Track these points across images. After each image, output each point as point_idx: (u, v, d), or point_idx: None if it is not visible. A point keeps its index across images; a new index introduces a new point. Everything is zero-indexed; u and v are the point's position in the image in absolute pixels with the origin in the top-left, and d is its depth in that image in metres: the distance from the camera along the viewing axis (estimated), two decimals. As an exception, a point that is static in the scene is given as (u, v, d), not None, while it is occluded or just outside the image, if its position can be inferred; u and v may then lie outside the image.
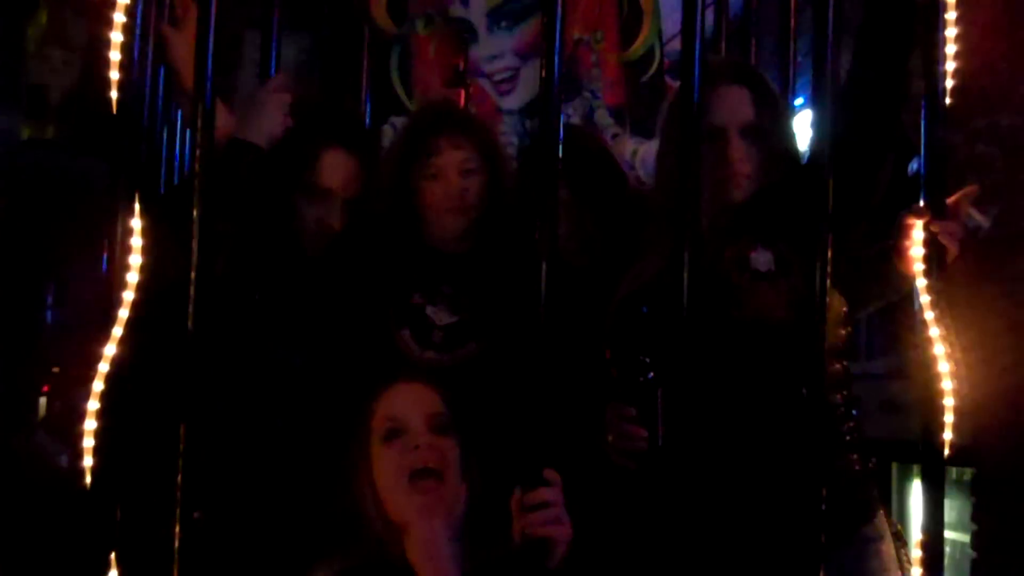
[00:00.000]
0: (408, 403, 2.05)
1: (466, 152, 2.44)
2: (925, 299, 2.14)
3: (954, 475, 4.39)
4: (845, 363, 2.30)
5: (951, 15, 2.19)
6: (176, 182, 2.48)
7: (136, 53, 2.13)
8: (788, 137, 2.38)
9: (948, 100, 2.18)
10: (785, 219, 2.17)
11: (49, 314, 5.64)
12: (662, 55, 3.43)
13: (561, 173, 1.83)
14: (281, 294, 2.38)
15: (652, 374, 2.15)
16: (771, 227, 2.21)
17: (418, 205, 2.44)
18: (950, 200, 2.18)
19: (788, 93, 3.08)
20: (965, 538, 4.26)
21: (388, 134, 3.14)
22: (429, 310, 2.43)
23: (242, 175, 2.26)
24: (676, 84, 3.54)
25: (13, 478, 2.92)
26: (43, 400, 5.22)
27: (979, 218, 2.24)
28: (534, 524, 1.77)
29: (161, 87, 2.30)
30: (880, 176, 2.24)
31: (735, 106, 2.27)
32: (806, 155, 2.12)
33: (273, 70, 2.55)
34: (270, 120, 2.32)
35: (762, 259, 2.19)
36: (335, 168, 2.42)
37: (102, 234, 2.16)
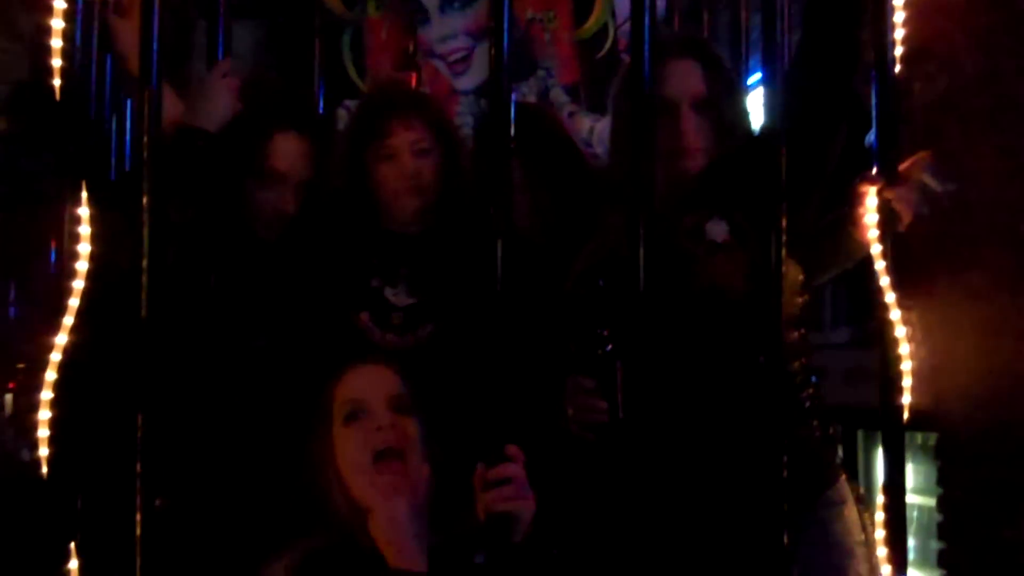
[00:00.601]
0: (368, 384, 2.04)
1: (418, 132, 2.43)
2: (880, 265, 2.16)
3: (919, 440, 4.42)
4: (803, 331, 2.31)
5: (898, -8, 2.20)
6: (126, 169, 2.45)
7: (79, 40, 2.10)
8: (740, 110, 2.38)
9: (897, 67, 2.19)
10: (740, 189, 2.17)
11: (12, 311, 5.58)
12: (616, 32, 3.44)
13: (516, 151, 1.82)
14: (237, 279, 2.36)
15: (611, 346, 2.16)
16: (726, 198, 2.21)
17: (373, 187, 2.44)
18: (903, 166, 2.20)
19: (742, 70, 3.08)
20: (931, 502, 4.30)
21: (343, 117, 3.12)
22: (388, 292, 2.42)
23: (192, 161, 2.24)
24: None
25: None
26: (9, 397, 5.18)
27: (932, 183, 2.25)
28: (497, 500, 1.77)
29: (108, 76, 2.27)
30: (834, 145, 2.24)
31: (686, 79, 2.27)
32: (760, 127, 2.12)
33: (221, 56, 2.52)
34: (219, 104, 2.30)
35: (718, 229, 2.19)
36: (287, 151, 2.40)
37: (50, 226, 2.15)
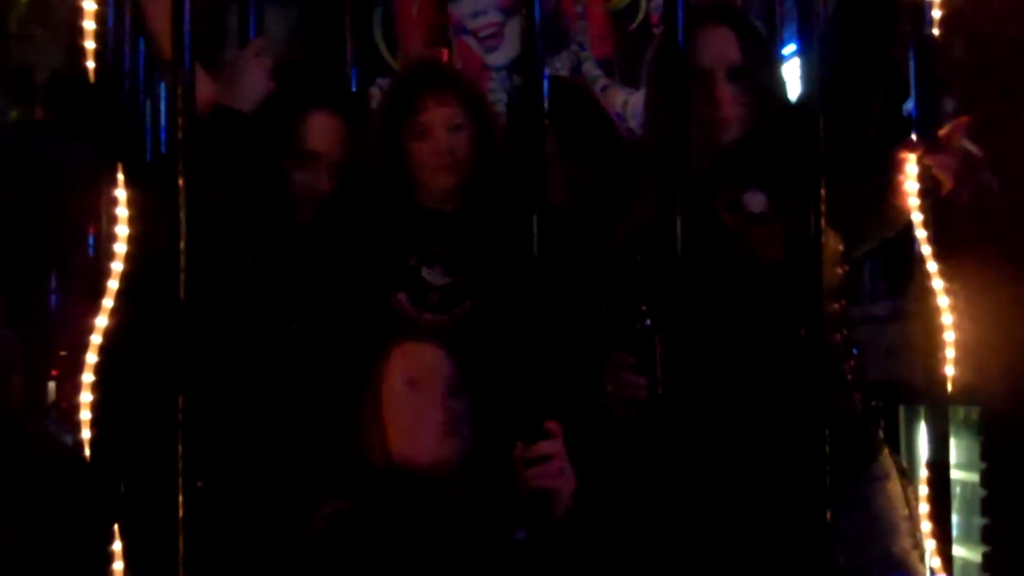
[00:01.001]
0: (427, 364, 2.08)
1: (452, 108, 2.41)
2: (921, 234, 2.14)
3: (961, 415, 4.37)
4: (843, 302, 2.29)
5: (936, -55, 2.17)
6: (162, 151, 2.46)
7: (111, 22, 2.11)
8: (776, 78, 2.35)
9: (936, 32, 2.16)
10: (777, 159, 2.15)
11: (53, 298, 5.63)
12: (648, 4, 3.40)
13: (549, 125, 1.81)
14: (273, 260, 2.36)
15: (649, 321, 2.14)
16: (764, 168, 2.18)
17: (407, 165, 2.42)
18: (942, 132, 2.17)
19: (776, 39, 3.04)
20: (975, 477, 4.25)
21: (375, 96, 3.11)
22: (425, 272, 2.41)
23: (227, 141, 2.24)
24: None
25: (26, 461, 2.92)
26: (52, 384, 5.24)
27: (972, 148, 2.22)
28: (537, 477, 1.77)
29: (141, 57, 2.27)
30: (871, 113, 2.21)
31: (721, 47, 2.25)
32: (797, 96, 2.09)
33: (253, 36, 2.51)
34: (253, 83, 2.30)
35: (755, 200, 2.16)
36: (321, 130, 2.40)
37: (89, 212, 2.16)
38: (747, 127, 2.24)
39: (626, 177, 2.41)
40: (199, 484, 1.75)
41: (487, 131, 2.45)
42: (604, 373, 2.20)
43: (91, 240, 2.24)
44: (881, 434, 2.35)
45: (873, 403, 2.33)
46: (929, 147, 2.11)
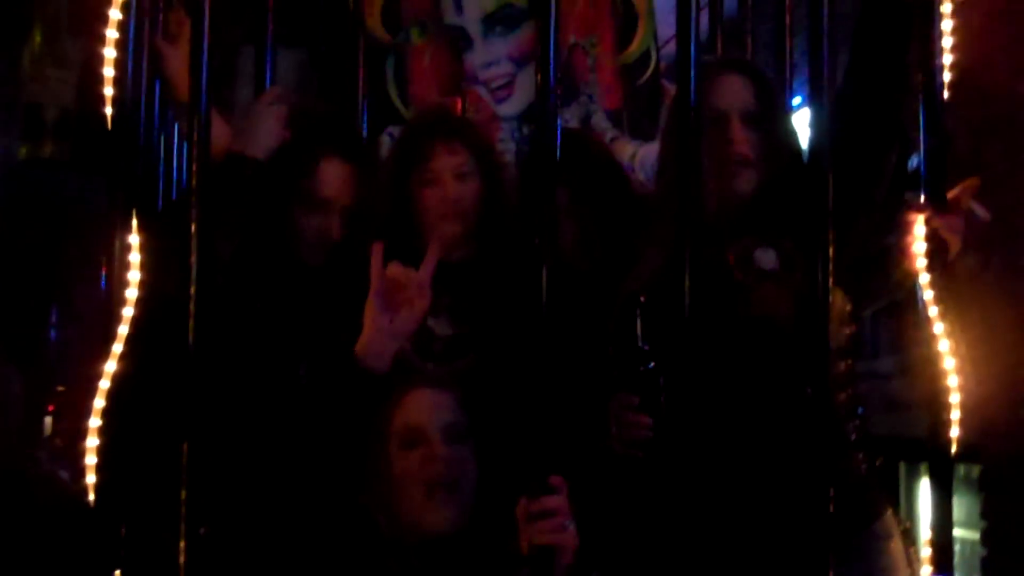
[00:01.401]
0: (425, 411, 2.05)
1: (461, 157, 2.43)
2: (928, 295, 2.14)
3: (962, 472, 4.36)
4: (850, 362, 2.29)
5: (947, 7, 2.19)
6: (173, 196, 2.47)
7: (131, 69, 2.12)
8: (788, 129, 2.37)
9: (946, 94, 2.18)
10: (789, 216, 2.16)
11: (53, 333, 5.63)
12: (658, 57, 3.42)
13: (562, 177, 1.82)
14: (282, 304, 2.37)
15: (653, 364, 2.14)
16: (775, 224, 2.20)
17: (415, 212, 2.43)
18: (951, 194, 2.18)
19: (786, 92, 3.06)
20: (975, 535, 4.24)
21: (386, 144, 3.12)
22: (430, 321, 2.41)
23: (241, 189, 2.25)
24: (672, 87, 3.55)
25: (20, 498, 2.91)
26: (48, 419, 5.23)
27: (980, 212, 2.22)
28: (540, 532, 1.76)
29: (157, 102, 2.29)
30: (883, 171, 2.23)
31: (735, 92, 2.27)
32: (808, 151, 2.10)
33: (268, 83, 2.54)
34: (267, 132, 2.31)
35: (766, 257, 2.17)
36: (332, 177, 2.41)
37: (101, 251, 2.16)
38: (760, 174, 2.25)
39: (637, 230, 2.42)
40: (202, 531, 1.74)
41: (495, 181, 2.47)
42: (608, 414, 2.20)
43: (103, 279, 2.25)
44: (885, 494, 2.34)
45: (877, 462, 2.32)
46: (937, 208, 2.11)
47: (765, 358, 2.16)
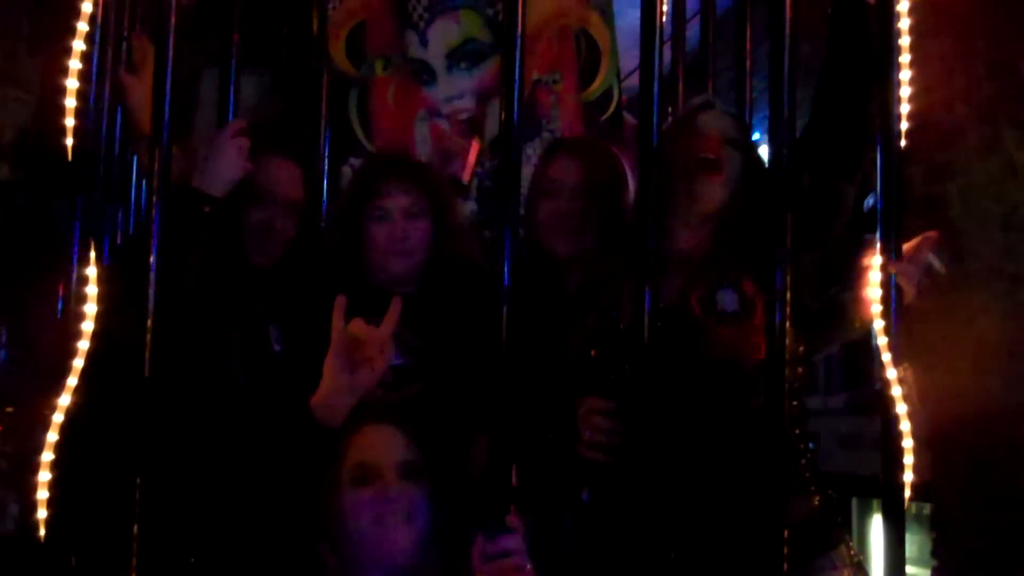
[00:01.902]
0: (379, 449, 2.03)
1: (412, 197, 2.48)
2: (882, 340, 2.16)
3: (913, 510, 4.41)
4: (800, 401, 2.31)
5: (905, 58, 2.23)
6: (131, 225, 2.45)
7: (92, 98, 2.11)
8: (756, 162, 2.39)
9: (903, 142, 2.21)
10: (750, 256, 2.19)
11: (3, 353, 5.52)
12: (620, 93, 3.45)
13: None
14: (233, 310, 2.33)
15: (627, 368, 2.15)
16: (737, 265, 2.23)
17: (365, 247, 2.48)
18: (909, 245, 2.21)
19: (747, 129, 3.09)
20: (925, 573, 4.27)
21: (347, 175, 3.12)
22: None
23: (197, 226, 2.20)
24: (634, 120, 3.57)
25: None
26: (-6, 440, 5.14)
27: (937, 264, 2.26)
28: (496, 573, 1.76)
29: (118, 133, 2.27)
30: (842, 204, 2.28)
31: (718, 118, 2.34)
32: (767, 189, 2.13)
33: (232, 110, 2.51)
34: (229, 166, 2.28)
35: (728, 299, 2.20)
36: (278, 174, 2.41)
37: (57, 274, 2.14)
38: (729, 189, 2.28)
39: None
40: (192, 560, 1.72)
41: (445, 220, 2.53)
42: (577, 419, 2.21)
43: (59, 301, 2.22)
44: (839, 525, 2.36)
45: (830, 493, 2.34)
46: (893, 255, 2.15)
47: (721, 393, 2.19)
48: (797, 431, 2.27)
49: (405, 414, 2.19)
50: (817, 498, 2.28)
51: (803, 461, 2.28)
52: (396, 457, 2.02)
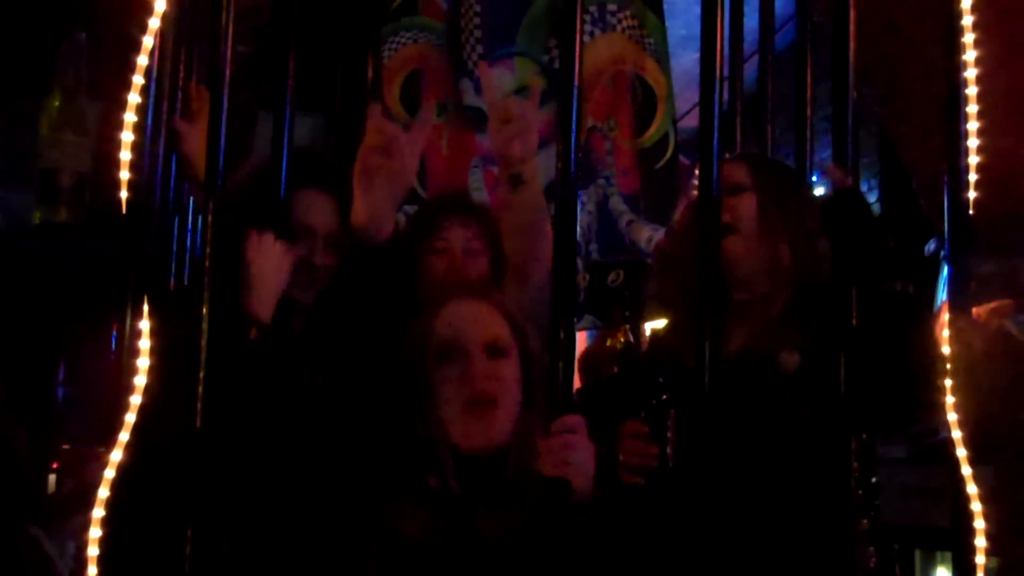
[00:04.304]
0: (465, 325, 1.96)
1: (471, 234, 2.47)
2: (950, 400, 2.11)
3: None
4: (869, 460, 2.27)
5: (972, 108, 2.18)
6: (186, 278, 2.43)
7: (147, 150, 2.11)
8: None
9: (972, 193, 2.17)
10: (817, 321, 2.14)
11: (60, 392, 5.59)
12: (676, 141, 3.42)
13: None
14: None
15: (666, 396, 2.12)
16: (803, 328, 2.17)
17: (422, 280, 2.43)
18: (985, 308, 2.17)
19: (806, 169, 3.03)
20: (992, 629, 4.15)
21: (400, 222, 3.11)
22: None
23: (246, 354, 2.13)
24: (688, 162, 3.54)
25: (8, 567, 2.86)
26: (53, 477, 5.18)
27: (1014, 330, 2.21)
28: (559, 448, 1.72)
29: (172, 183, 2.27)
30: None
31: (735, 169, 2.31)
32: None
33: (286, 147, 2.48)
34: (277, 274, 2.18)
35: (791, 361, 2.14)
36: (313, 206, 2.33)
37: (112, 316, 2.12)
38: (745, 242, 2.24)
39: None
40: None
41: (500, 260, 2.50)
42: (617, 442, 2.17)
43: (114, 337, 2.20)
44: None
45: (895, 546, 2.29)
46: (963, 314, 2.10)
47: (782, 454, 2.13)
48: (861, 492, 2.22)
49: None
50: (874, 559, 2.24)
51: (871, 513, 2.24)
52: (482, 335, 1.95)
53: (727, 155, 2.42)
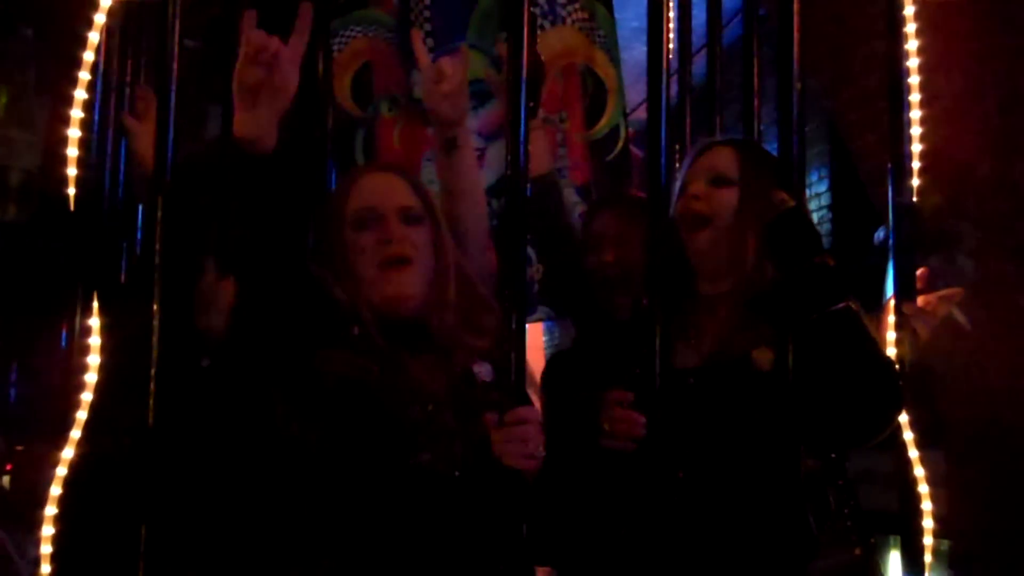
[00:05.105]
0: (380, 193, 2.05)
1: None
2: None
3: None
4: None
5: (915, 97, 2.22)
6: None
7: (95, 146, 2.09)
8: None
9: (916, 180, 2.20)
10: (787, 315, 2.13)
11: (12, 392, 5.56)
12: (627, 133, 3.43)
13: None
14: None
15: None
16: (774, 324, 2.16)
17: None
18: (934, 295, 2.19)
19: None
20: (944, 610, 4.21)
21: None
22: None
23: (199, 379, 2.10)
24: (641, 153, 3.55)
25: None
26: (6, 479, 5.14)
27: (961, 319, 2.23)
28: (511, 439, 1.82)
29: (121, 180, 2.26)
30: None
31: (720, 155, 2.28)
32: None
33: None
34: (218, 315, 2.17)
35: (763, 359, 2.14)
36: None
37: (62, 314, 2.11)
38: (715, 232, 2.22)
39: None
40: None
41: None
42: (601, 410, 2.16)
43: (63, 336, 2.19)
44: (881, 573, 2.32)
45: (873, 540, 2.30)
46: (907, 297, 2.13)
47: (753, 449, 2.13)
48: (841, 482, 2.23)
49: None
50: (858, 549, 2.23)
51: (845, 511, 2.23)
52: (397, 202, 2.03)
53: (717, 138, 2.43)
